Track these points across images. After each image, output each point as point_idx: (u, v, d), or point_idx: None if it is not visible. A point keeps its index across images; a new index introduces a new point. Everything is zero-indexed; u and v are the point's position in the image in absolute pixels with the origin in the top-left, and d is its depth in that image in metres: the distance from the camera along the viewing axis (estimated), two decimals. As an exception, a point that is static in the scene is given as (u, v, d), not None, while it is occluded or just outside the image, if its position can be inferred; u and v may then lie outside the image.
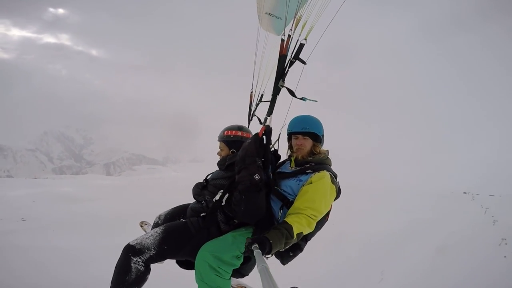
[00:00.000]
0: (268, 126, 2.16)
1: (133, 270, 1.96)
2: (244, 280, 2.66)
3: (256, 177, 1.96)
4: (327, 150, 2.27)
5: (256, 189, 1.96)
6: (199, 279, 1.91)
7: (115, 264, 2.05)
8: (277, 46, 2.09)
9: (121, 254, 2.02)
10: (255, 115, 2.96)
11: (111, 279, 2.03)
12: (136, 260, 1.98)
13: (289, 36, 2.03)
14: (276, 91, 2.10)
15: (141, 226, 3.29)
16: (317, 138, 2.21)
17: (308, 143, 2.19)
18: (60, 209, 8.61)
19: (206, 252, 1.91)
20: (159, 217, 2.62)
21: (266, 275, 1.11)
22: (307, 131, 2.18)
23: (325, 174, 1.99)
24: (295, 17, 2.09)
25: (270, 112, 2.16)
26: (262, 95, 2.85)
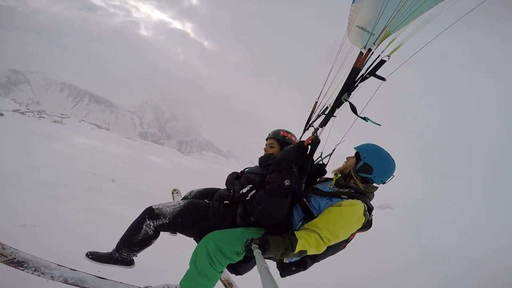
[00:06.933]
0: (317, 137, 2.06)
1: (142, 231, 1.98)
2: (234, 277, 2.65)
3: (286, 182, 1.90)
4: (377, 186, 2.10)
5: (281, 194, 1.91)
6: (192, 261, 1.91)
7: None
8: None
9: (140, 214, 2.05)
10: (312, 126, 2.55)
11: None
12: (149, 223, 1.99)
13: (369, 50, 1.88)
14: (336, 104, 1.98)
15: (172, 193, 3.33)
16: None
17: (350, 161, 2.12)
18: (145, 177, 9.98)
19: (210, 239, 1.91)
20: (190, 192, 2.65)
21: (266, 275, 1.10)
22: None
23: (358, 203, 1.87)
24: (383, 31, 1.91)
25: (323, 123, 2.07)
26: (327, 108, 2.39)
